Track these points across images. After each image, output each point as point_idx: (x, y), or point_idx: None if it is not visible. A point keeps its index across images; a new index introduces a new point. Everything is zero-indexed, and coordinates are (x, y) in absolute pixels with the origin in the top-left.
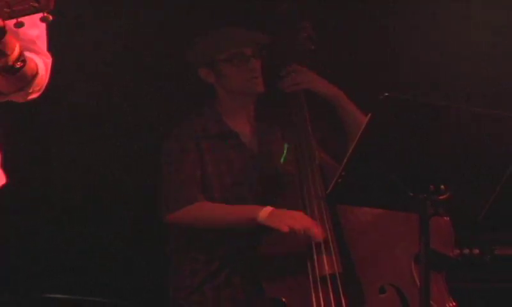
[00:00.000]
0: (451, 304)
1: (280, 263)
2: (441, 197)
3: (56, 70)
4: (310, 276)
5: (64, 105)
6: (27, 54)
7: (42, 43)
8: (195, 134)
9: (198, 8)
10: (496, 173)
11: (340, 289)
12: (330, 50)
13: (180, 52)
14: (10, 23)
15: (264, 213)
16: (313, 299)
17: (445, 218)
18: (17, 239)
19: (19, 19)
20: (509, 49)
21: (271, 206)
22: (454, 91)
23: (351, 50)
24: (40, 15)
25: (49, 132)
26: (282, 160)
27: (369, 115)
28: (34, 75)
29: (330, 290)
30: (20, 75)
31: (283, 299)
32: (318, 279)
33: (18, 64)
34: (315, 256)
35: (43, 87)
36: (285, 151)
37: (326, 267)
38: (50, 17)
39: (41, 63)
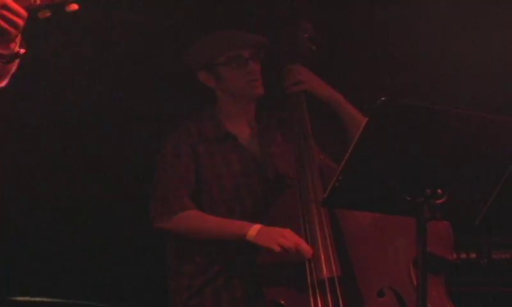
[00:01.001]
0: None
1: (279, 266)
2: (438, 201)
3: (55, 69)
4: (308, 279)
5: (64, 105)
6: None
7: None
8: (191, 139)
9: (198, 10)
10: (494, 176)
11: (339, 293)
12: (331, 51)
13: (179, 54)
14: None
15: (253, 231)
16: (312, 303)
17: (445, 221)
18: (17, 240)
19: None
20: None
21: (270, 208)
22: (455, 93)
23: (351, 51)
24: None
25: (46, 131)
26: None
27: (366, 119)
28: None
29: (329, 293)
30: (8, 65)
31: (282, 302)
32: (316, 282)
33: (22, 51)
34: (313, 260)
35: (10, 75)
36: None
37: (325, 271)
38: (77, 7)
39: None
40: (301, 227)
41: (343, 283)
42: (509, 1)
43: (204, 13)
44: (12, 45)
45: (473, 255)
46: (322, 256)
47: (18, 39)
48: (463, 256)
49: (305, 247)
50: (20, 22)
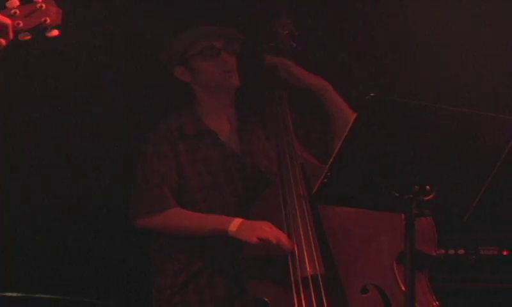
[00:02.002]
0: (434, 304)
1: (263, 264)
2: (426, 197)
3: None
4: (292, 277)
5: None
6: None
7: None
8: (171, 136)
9: (180, 8)
10: (482, 173)
11: (322, 290)
12: (311, 47)
13: (159, 52)
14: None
15: (234, 226)
16: (295, 300)
17: (428, 217)
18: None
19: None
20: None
21: (252, 205)
22: (444, 90)
23: (333, 47)
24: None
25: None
26: None
27: (355, 115)
28: None
29: (312, 290)
30: None
31: (266, 299)
32: (300, 280)
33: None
34: (297, 257)
35: None
36: None
37: (308, 268)
38: (57, 33)
39: None
40: (284, 224)
41: (326, 280)
42: None
43: (187, 10)
44: None
45: (461, 251)
46: (306, 253)
47: None
48: (451, 252)
49: (285, 240)
50: (3, 43)
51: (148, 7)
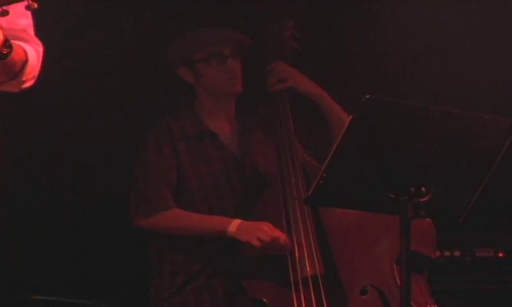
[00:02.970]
0: (432, 306)
1: (261, 264)
2: (422, 199)
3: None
4: (291, 278)
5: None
6: (16, 42)
7: (32, 32)
8: (172, 136)
9: (180, 8)
10: (477, 174)
11: (322, 290)
12: (314, 50)
13: (161, 52)
14: None
15: (233, 226)
16: (295, 301)
17: (427, 219)
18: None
19: (4, 8)
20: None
21: (251, 207)
22: (442, 90)
23: (334, 49)
24: (25, 3)
25: (36, 131)
26: None
27: (351, 117)
28: (24, 62)
29: (312, 291)
30: (9, 62)
31: (265, 300)
32: (300, 280)
33: (5, 51)
34: (297, 258)
35: (36, 75)
36: None
37: (308, 269)
38: (36, 5)
39: (32, 51)
40: (284, 225)
41: (326, 281)
42: None
43: (188, 11)
44: None
45: (456, 253)
46: (306, 254)
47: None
48: (447, 253)
49: (283, 240)
50: None
51: (151, 7)
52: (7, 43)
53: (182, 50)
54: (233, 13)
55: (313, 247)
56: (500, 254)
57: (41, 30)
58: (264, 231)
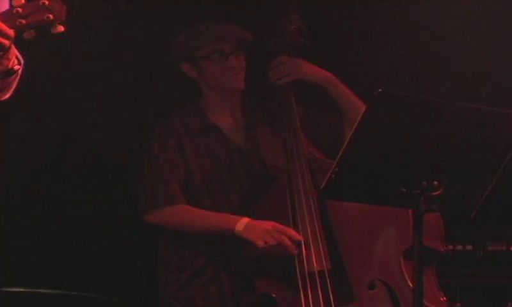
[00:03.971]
0: (442, 299)
1: (269, 260)
2: (434, 193)
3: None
4: (298, 273)
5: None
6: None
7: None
8: (176, 132)
9: (185, 3)
10: (490, 169)
11: (329, 285)
12: (320, 43)
13: (165, 48)
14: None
15: (240, 225)
16: (302, 296)
17: (435, 213)
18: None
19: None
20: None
21: (258, 203)
22: (452, 85)
23: (340, 43)
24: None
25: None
26: None
27: (363, 111)
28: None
29: (319, 286)
30: (12, 80)
31: (274, 295)
32: (307, 275)
33: (16, 67)
34: (303, 253)
35: (14, 88)
36: None
37: (315, 264)
38: (63, 28)
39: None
40: (291, 221)
41: (333, 276)
42: None
43: (191, 6)
44: (5, 62)
45: (469, 247)
46: (313, 249)
47: (11, 56)
48: (459, 248)
49: (290, 244)
50: (6, 42)
51: (153, 4)
52: (18, 60)
53: (185, 47)
54: (237, 7)
55: (320, 243)
56: None
57: None
58: (271, 233)
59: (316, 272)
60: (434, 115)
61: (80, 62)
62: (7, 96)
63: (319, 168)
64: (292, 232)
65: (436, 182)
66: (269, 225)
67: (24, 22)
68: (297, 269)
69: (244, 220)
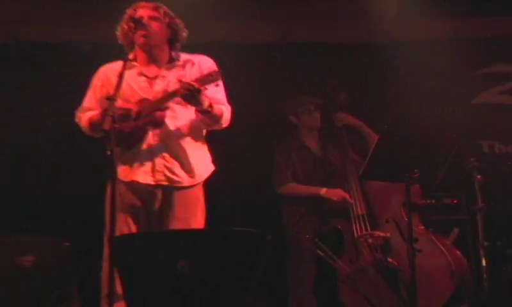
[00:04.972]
0: (421, 227)
1: (337, 209)
2: (415, 175)
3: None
4: (352, 215)
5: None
6: (216, 105)
7: (223, 98)
8: (289, 148)
9: (289, 79)
10: (441, 164)
11: (367, 221)
12: (358, 106)
13: (275, 106)
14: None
15: (323, 191)
16: (354, 227)
17: (416, 184)
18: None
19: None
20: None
21: (326, 186)
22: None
23: (370, 108)
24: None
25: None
26: None
27: (377, 138)
28: (221, 115)
29: (362, 221)
30: (213, 115)
31: (339, 227)
32: (355, 216)
33: (209, 109)
34: (353, 205)
35: (228, 121)
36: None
37: (359, 210)
38: (220, 84)
39: (225, 109)
40: (348, 190)
41: (368, 216)
42: None
43: (292, 82)
44: (199, 106)
45: (432, 201)
46: (358, 203)
47: (204, 101)
48: (429, 202)
49: (348, 200)
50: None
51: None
52: (211, 106)
53: (291, 108)
54: (313, 86)
55: (361, 200)
56: None
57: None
58: (340, 194)
59: (360, 215)
60: (414, 141)
61: None
62: (224, 125)
63: (359, 166)
64: (347, 195)
65: (416, 170)
66: (337, 190)
67: (201, 85)
68: (352, 213)
69: (324, 188)
